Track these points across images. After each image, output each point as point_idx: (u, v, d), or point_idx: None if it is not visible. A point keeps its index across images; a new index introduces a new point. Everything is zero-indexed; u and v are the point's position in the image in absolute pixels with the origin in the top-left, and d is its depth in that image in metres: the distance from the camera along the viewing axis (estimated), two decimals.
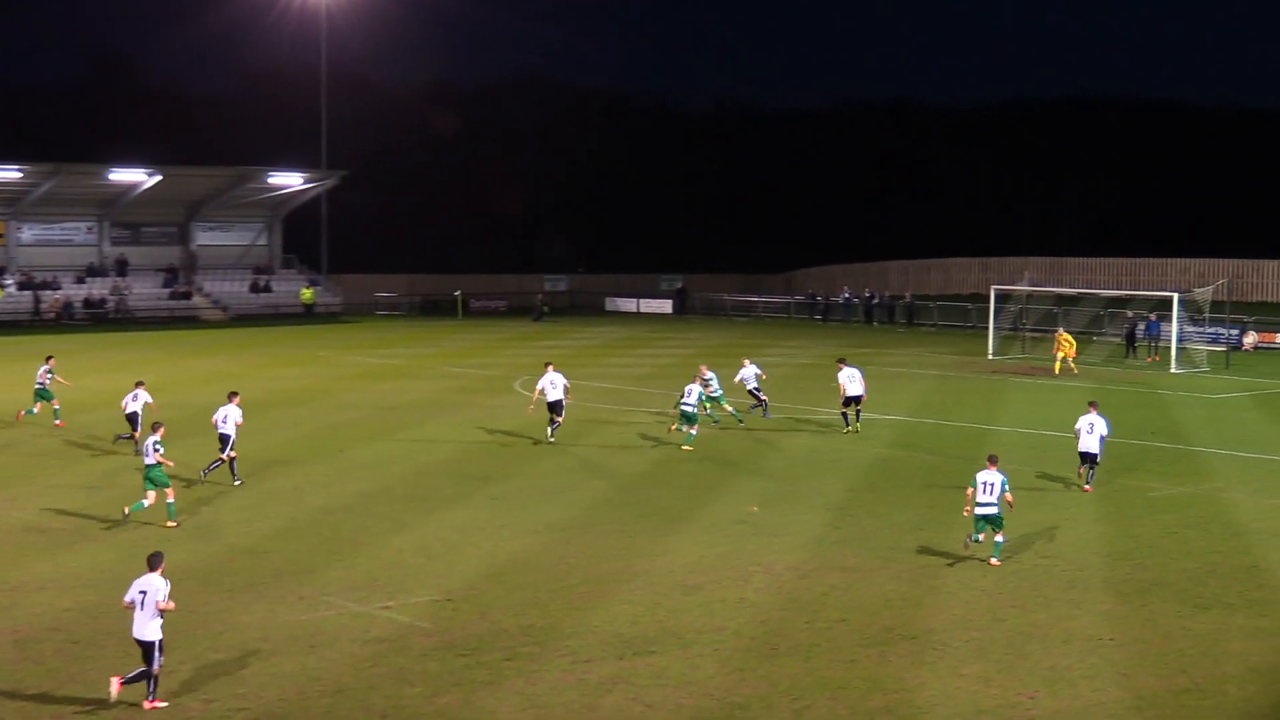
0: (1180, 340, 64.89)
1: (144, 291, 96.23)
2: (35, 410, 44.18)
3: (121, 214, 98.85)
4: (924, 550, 28.19)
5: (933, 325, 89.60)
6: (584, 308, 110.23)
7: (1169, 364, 63.21)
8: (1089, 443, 34.33)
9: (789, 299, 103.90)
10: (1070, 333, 62.97)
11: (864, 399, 43.62)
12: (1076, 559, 27.55)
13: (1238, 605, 24.50)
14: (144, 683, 19.39)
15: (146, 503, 30.37)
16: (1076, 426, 34.84)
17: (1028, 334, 72.72)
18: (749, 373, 47.08)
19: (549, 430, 41.25)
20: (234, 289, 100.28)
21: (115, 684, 19.44)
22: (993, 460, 28.23)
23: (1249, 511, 32.09)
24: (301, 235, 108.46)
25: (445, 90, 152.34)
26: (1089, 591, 25.32)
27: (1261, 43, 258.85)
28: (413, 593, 25.08)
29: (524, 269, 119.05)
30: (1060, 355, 60.43)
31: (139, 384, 40.86)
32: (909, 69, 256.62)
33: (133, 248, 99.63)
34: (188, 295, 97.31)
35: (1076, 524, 30.67)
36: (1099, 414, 34.92)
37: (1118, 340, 71.78)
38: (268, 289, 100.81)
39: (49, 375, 44.41)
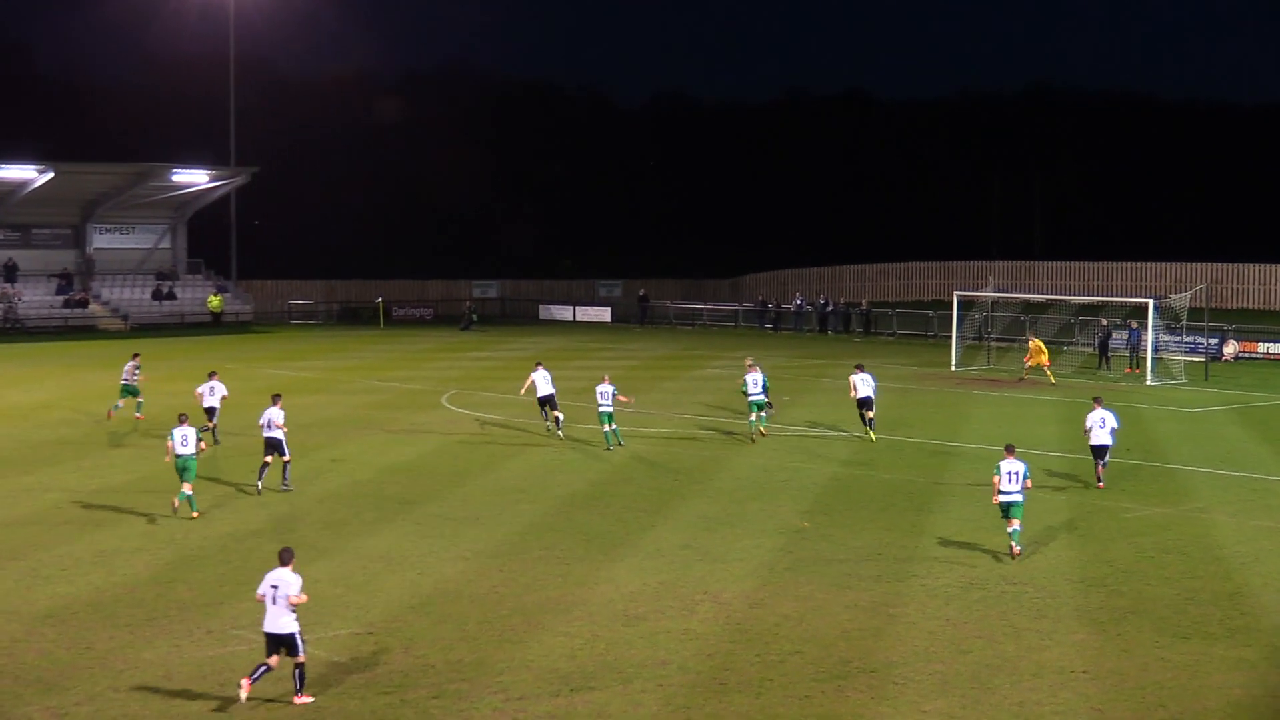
0: (1156, 350, 65.41)
1: (35, 299, 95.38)
2: (119, 405, 47.17)
3: (10, 214, 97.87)
4: (883, 577, 28.27)
5: (891, 334, 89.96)
6: (516, 316, 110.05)
7: (1145, 375, 63.71)
8: (1101, 437, 37.81)
9: (736, 307, 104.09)
10: (1042, 340, 64.00)
11: (872, 401, 45.73)
12: (1046, 585, 27.70)
13: (1219, 635, 24.69)
14: (295, 677, 21.25)
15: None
16: (1087, 425, 38.14)
17: (993, 343, 73.08)
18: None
19: (555, 426, 45.52)
20: (135, 296, 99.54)
21: (245, 685, 20.94)
22: (1010, 449, 31.33)
23: (1230, 534, 32.36)
24: (209, 238, 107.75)
25: (365, 80, 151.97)
26: (1060, 621, 25.46)
27: (1240, 33, 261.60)
28: (330, 625, 24.94)
29: (451, 274, 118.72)
30: (1032, 363, 61.57)
31: (212, 374, 44.22)
32: (862, 57, 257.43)
33: (23, 251, 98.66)
34: (84, 303, 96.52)
35: (1046, 548, 30.84)
36: (1106, 408, 38.27)
37: (1090, 350, 72.22)
38: (172, 296, 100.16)
39: (136, 372, 48.28)
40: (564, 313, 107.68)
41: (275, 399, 37.52)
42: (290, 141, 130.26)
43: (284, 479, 36.95)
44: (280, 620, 21.23)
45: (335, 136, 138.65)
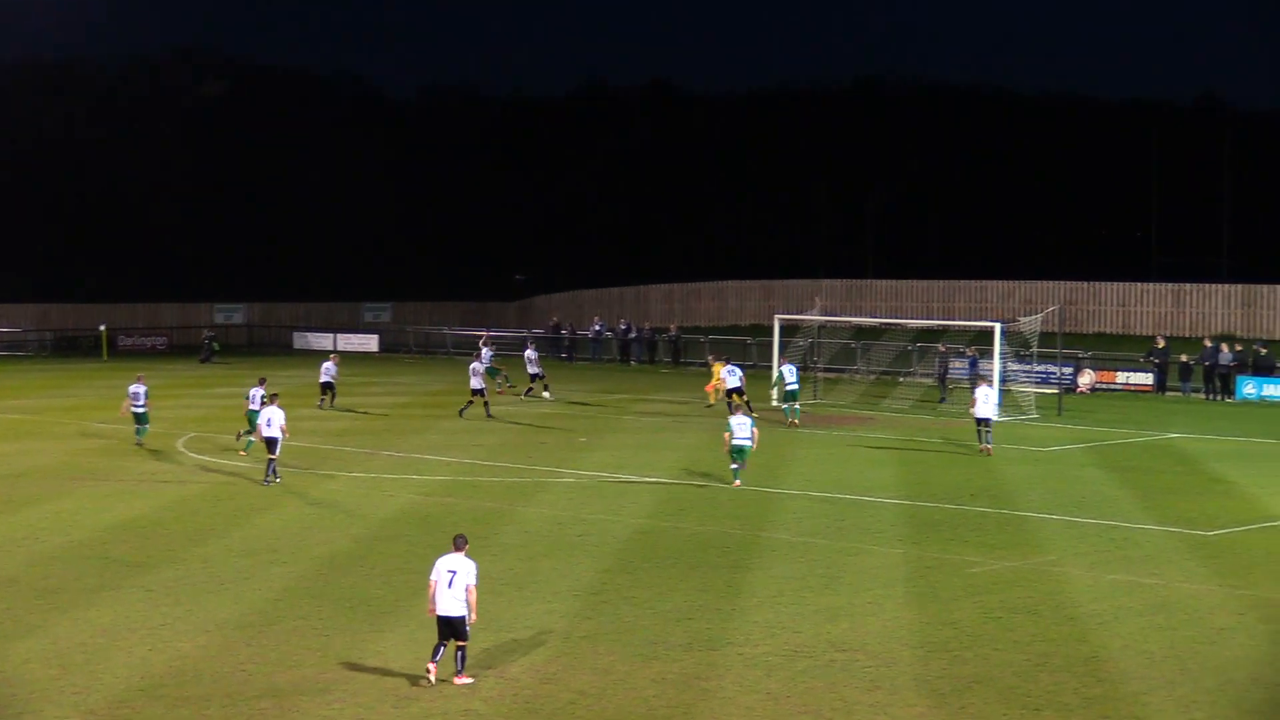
0: (1003, 380, 66.61)
1: None
2: (253, 438, 50.57)
3: None
4: (694, 645, 28.47)
5: (703, 364, 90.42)
6: (266, 345, 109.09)
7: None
8: (985, 410, 52.80)
9: (525, 333, 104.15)
10: (722, 361, 66.34)
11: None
12: (881, 652, 28.11)
13: (1074, 706, 25.24)
14: (457, 659, 25.85)
15: (254, 439, 48.02)
16: (974, 396, 53.62)
17: (820, 374, 73.98)
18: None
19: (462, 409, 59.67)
20: None
21: (432, 669, 25.75)
22: (735, 409, 49.64)
23: (1086, 590, 33.09)
24: None
25: (84, 66, 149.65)
26: (897, 692, 25.84)
27: (1105, 20, 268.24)
28: (42, 714, 24.50)
29: (188, 296, 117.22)
30: (713, 389, 65.40)
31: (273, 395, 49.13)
32: (668, 44, 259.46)
33: None
34: None
35: (881, 609, 31.29)
36: (990, 385, 55.35)
37: (930, 381, 73.43)
38: None
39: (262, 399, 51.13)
40: (323, 341, 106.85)
41: (273, 398, 47.38)
42: None
43: (270, 474, 45.95)
44: (455, 603, 25.69)
45: (45, 132, 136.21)
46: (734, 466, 45.70)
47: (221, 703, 25.03)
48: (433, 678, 25.72)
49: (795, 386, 60.69)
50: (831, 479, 47.63)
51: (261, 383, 52.40)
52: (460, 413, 62.33)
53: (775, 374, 62.74)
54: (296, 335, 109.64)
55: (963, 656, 27.89)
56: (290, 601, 31.80)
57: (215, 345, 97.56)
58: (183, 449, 54.11)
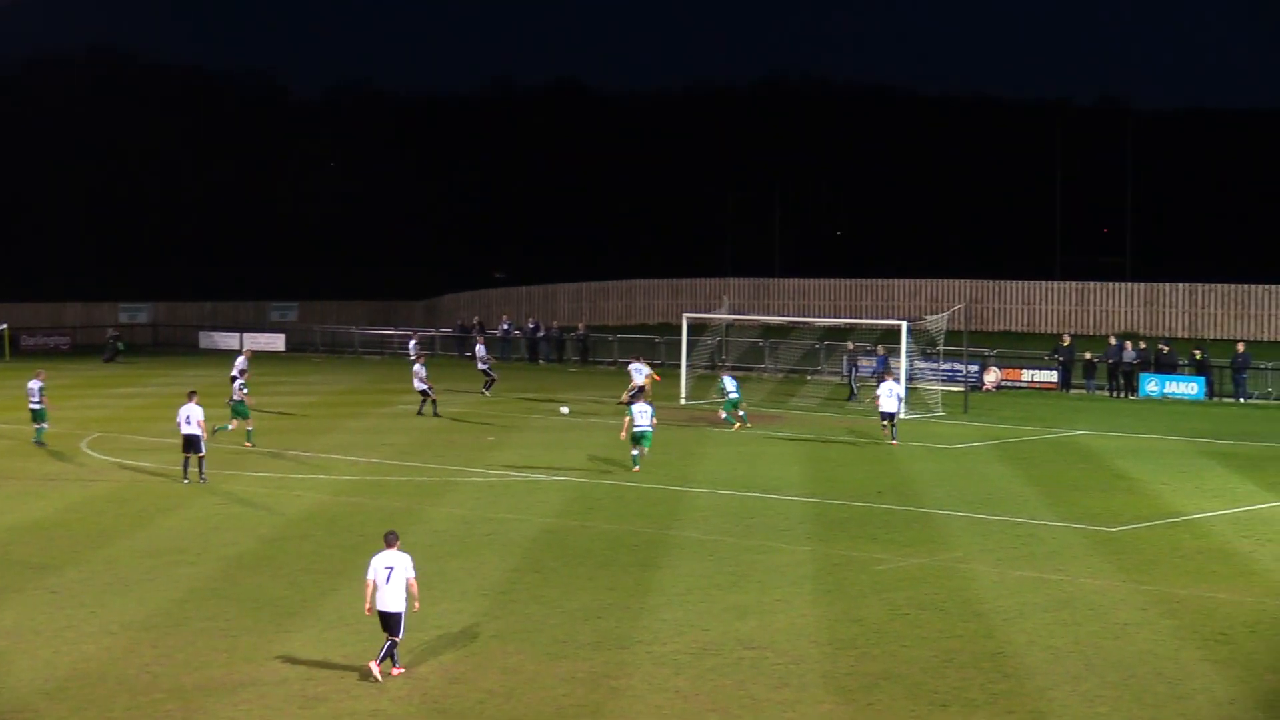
0: (910, 379, 66.94)
1: None
2: (230, 427, 52.85)
3: None
4: (603, 644, 28.48)
5: (612, 363, 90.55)
6: (172, 344, 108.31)
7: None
8: (889, 404, 54.84)
9: (433, 332, 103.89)
10: (654, 365, 67.49)
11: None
12: (789, 649, 28.20)
13: (980, 701, 25.41)
14: (390, 654, 26.20)
15: (230, 427, 50.68)
16: (877, 392, 56.27)
17: (728, 372, 74.02)
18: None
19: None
20: None
21: (374, 667, 25.99)
22: (636, 398, 51.74)
23: (992, 586, 33.31)
24: None
25: None
26: (805, 689, 25.93)
27: (1008, 21, 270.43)
28: None
29: (93, 295, 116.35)
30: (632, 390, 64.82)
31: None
32: (576, 42, 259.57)
33: None
34: None
35: (789, 606, 31.38)
36: (895, 381, 57.63)
37: (839, 379, 73.67)
38: None
39: (244, 390, 54.28)
40: (229, 340, 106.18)
41: (191, 395, 45.81)
42: None
43: (200, 473, 45.51)
44: (395, 599, 26.24)
45: None
46: (634, 453, 47.98)
47: (126, 705, 24.85)
48: (395, 672, 26.31)
49: (736, 396, 59.76)
50: (739, 477, 47.73)
51: (233, 378, 55.53)
52: (435, 414, 62.30)
53: (718, 384, 61.48)
54: (203, 335, 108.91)
55: (870, 653, 28.01)
56: (196, 602, 31.61)
57: (120, 345, 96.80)
58: (87, 449, 53.67)
